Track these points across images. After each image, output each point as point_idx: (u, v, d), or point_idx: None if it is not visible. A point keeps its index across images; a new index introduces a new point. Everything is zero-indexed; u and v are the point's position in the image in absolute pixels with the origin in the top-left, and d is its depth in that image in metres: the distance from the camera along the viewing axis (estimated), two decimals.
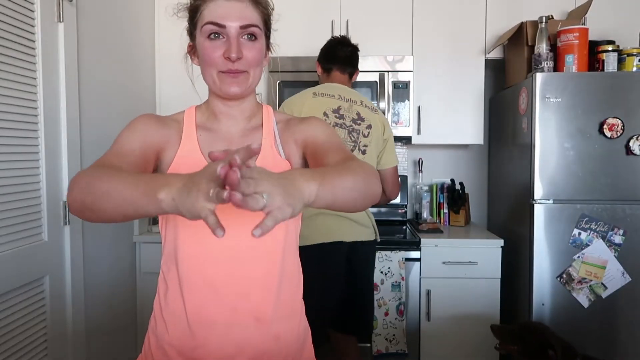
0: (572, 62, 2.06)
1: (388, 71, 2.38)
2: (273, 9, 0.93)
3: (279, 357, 0.90)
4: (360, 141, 1.85)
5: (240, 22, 0.84)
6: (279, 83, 2.41)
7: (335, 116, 1.84)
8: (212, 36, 0.85)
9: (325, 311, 1.79)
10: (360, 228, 1.83)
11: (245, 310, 0.87)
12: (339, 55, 1.93)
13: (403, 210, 2.73)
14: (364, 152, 1.86)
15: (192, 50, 0.93)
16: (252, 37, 0.87)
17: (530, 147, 2.06)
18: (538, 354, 1.58)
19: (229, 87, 0.86)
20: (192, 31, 0.90)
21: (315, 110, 1.81)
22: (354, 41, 2.46)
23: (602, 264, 2.01)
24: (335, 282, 1.80)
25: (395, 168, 1.98)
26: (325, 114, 1.82)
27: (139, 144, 0.86)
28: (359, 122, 1.86)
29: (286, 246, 0.92)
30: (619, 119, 1.97)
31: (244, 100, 0.93)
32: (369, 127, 1.87)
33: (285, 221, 0.82)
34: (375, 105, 2.12)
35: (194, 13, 0.88)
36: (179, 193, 0.62)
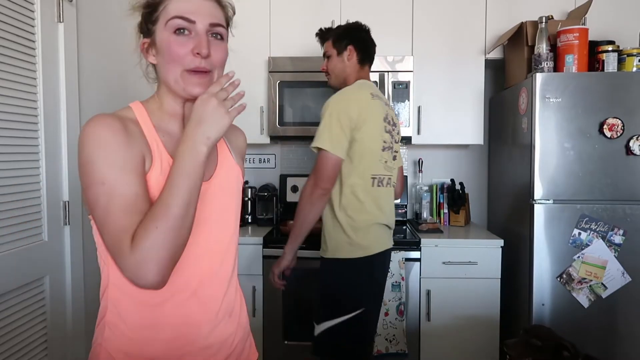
0: (572, 62, 2.06)
1: (388, 71, 2.38)
2: (234, 14, 0.90)
3: (244, 342, 0.98)
4: (393, 147, 1.79)
5: (210, 20, 0.82)
6: (278, 83, 2.41)
7: (387, 122, 1.74)
8: (178, 32, 0.81)
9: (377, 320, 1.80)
10: (391, 234, 1.82)
11: (222, 308, 0.90)
12: (373, 52, 1.82)
13: (403, 210, 2.73)
14: (394, 158, 1.81)
15: (148, 47, 0.86)
16: (219, 36, 0.85)
17: (530, 147, 2.06)
18: (551, 358, 1.58)
19: (193, 88, 0.82)
20: (148, 27, 0.85)
21: (377, 115, 1.68)
22: None
23: (602, 264, 2.01)
24: (384, 288, 1.82)
25: (401, 169, 1.97)
26: (384, 119, 1.72)
27: (139, 182, 0.77)
28: (394, 127, 1.80)
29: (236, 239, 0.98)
30: (619, 119, 1.97)
31: None
32: (398, 132, 1.86)
33: (237, 212, 0.96)
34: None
35: (154, 8, 0.83)
36: (201, 126, 0.76)
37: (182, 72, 0.81)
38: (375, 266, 1.68)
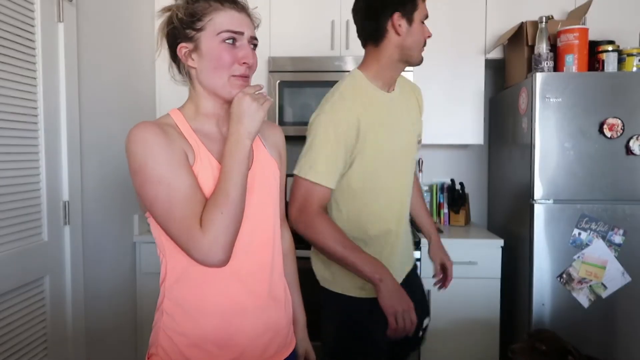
0: (572, 62, 2.06)
1: None
2: (258, 26, 0.99)
3: (288, 328, 1.05)
4: None
5: (251, 33, 0.94)
6: (278, 83, 2.41)
7: None
8: (228, 42, 0.90)
9: None
10: None
11: (267, 294, 0.98)
12: (357, 28, 1.45)
13: None
14: None
15: (189, 52, 0.93)
16: (254, 47, 0.95)
17: (530, 147, 2.06)
18: None
19: (238, 91, 0.92)
20: (187, 33, 0.91)
21: None
22: (353, 42, 2.47)
23: (602, 264, 2.01)
24: None
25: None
26: None
27: (188, 173, 0.87)
28: None
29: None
30: (619, 119, 1.97)
31: None
32: None
33: (275, 203, 1.03)
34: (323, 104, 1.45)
35: (198, 17, 0.90)
36: (242, 123, 0.88)
37: (229, 77, 0.91)
38: None
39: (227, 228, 0.84)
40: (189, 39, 0.92)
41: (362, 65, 1.42)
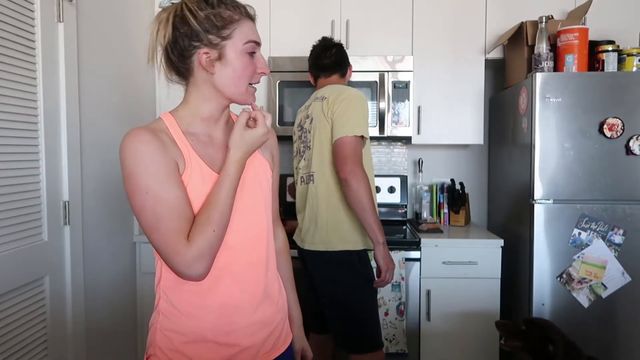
0: (572, 62, 2.06)
1: (388, 71, 2.38)
2: None
3: (284, 325, 1.08)
4: (309, 139, 1.84)
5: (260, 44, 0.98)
6: (278, 83, 2.41)
7: (298, 128, 1.94)
8: (251, 53, 0.94)
9: None
10: (302, 233, 1.89)
11: (261, 291, 0.99)
12: (319, 65, 1.92)
13: (403, 210, 2.73)
14: (309, 148, 1.83)
15: (212, 60, 0.91)
16: None
17: (530, 147, 2.06)
18: (540, 350, 1.57)
19: (252, 99, 0.97)
20: (210, 39, 0.90)
21: (294, 127, 2.01)
22: (353, 42, 2.47)
23: (602, 264, 2.01)
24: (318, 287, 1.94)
25: (343, 140, 1.66)
26: (297, 126, 1.97)
27: (177, 185, 0.87)
28: (307, 121, 1.87)
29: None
30: (619, 119, 1.97)
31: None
32: (311, 120, 1.83)
33: (267, 201, 1.06)
34: (341, 94, 1.75)
35: (225, 25, 0.90)
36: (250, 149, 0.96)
37: (247, 86, 0.95)
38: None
39: (215, 244, 0.87)
40: (213, 45, 0.90)
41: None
